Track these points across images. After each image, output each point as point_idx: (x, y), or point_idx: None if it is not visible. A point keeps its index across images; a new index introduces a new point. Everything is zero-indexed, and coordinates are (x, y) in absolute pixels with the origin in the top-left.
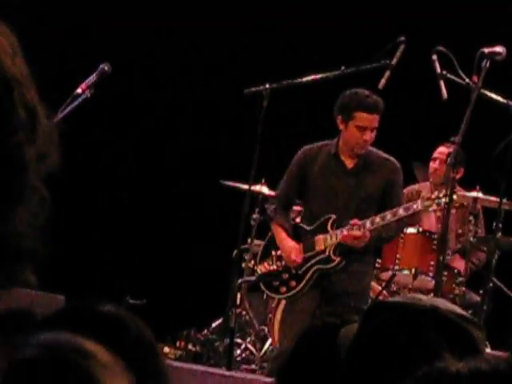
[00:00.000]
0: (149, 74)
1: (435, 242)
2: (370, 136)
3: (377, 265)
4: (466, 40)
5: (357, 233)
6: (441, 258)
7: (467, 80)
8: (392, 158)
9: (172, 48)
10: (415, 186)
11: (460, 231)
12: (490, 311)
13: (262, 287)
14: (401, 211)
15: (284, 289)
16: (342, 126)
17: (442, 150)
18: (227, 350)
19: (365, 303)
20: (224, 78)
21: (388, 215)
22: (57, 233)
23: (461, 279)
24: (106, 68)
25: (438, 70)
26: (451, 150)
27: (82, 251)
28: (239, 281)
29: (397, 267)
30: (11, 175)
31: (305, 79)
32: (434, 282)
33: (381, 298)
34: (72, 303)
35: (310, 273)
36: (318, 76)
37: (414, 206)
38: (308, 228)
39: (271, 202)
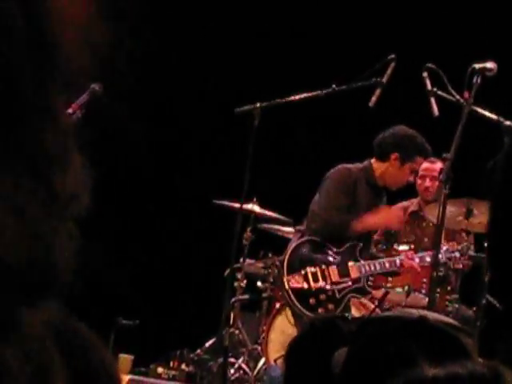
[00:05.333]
0: (139, 96)
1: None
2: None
3: (369, 283)
4: (456, 56)
5: (416, 265)
6: (434, 274)
7: (458, 97)
8: None
9: (163, 68)
10: (404, 203)
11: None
12: (484, 327)
13: (295, 301)
14: (428, 258)
15: (321, 310)
16: (395, 163)
17: (428, 166)
18: (221, 370)
19: None
20: (215, 98)
21: (427, 257)
22: None
23: (454, 296)
24: (97, 88)
25: (429, 86)
26: (437, 165)
27: (74, 271)
28: (232, 299)
29: (389, 285)
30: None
31: (296, 97)
32: (427, 299)
33: (373, 316)
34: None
35: (347, 299)
36: (309, 94)
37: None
38: (335, 249)
39: (329, 215)
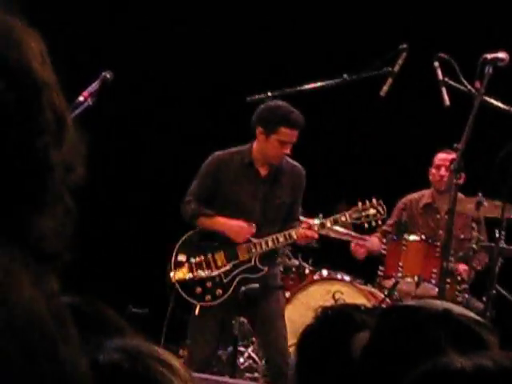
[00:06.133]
0: (150, 83)
1: (438, 249)
2: (289, 149)
3: (380, 273)
4: (468, 46)
5: (310, 233)
6: (444, 264)
7: (469, 86)
8: (298, 165)
9: (174, 57)
10: (414, 195)
11: (462, 237)
12: (493, 318)
13: (183, 294)
14: (328, 223)
15: (209, 297)
16: (261, 137)
17: (444, 157)
18: (231, 358)
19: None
20: (226, 86)
21: (328, 222)
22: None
23: (464, 286)
24: (108, 76)
25: (440, 76)
26: (452, 156)
27: (84, 259)
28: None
29: (400, 275)
30: (35, 176)
31: (307, 87)
32: (436, 289)
33: (383, 306)
34: None
35: (236, 282)
36: (321, 84)
37: (342, 219)
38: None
39: (187, 203)
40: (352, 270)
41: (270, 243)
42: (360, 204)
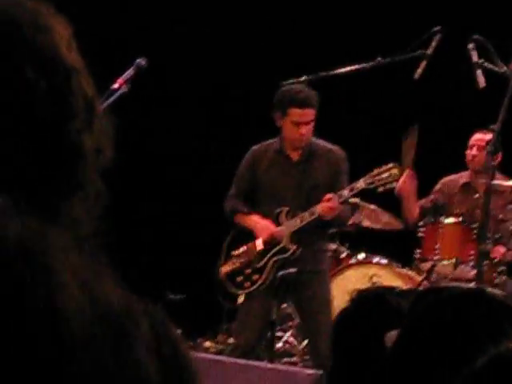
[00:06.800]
0: (186, 69)
1: (475, 231)
2: (305, 130)
3: (417, 255)
4: (502, 28)
5: (331, 204)
6: (481, 246)
7: (504, 68)
8: (336, 147)
9: (207, 47)
10: (453, 176)
11: (501, 216)
12: None
13: (228, 286)
14: (345, 192)
15: (248, 283)
16: (280, 122)
17: (479, 137)
18: (268, 343)
19: (326, 285)
20: (261, 71)
21: (345, 191)
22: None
23: (502, 268)
24: (143, 62)
25: (475, 58)
26: (487, 136)
27: (121, 246)
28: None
29: (437, 257)
30: (69, 160)
31: (341, 70)
32: (474, 271)
33: (421, 288)
34: None
35: (270, 264)
36: (355, 67)
37: (357, 185)
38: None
39: (227, 200)
40: (389, 254)
41: (298, 221)
42: (375, 170)
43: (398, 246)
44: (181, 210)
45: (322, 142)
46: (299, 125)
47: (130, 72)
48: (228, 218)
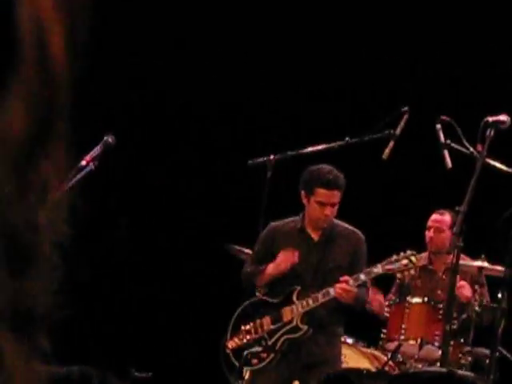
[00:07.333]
0: (152, 146)
1: (441, 312)
2: (330, 211)
3: (382, 335)
4: (469, 109)
5: (347, 286)
6: (447, 327)
7: (471, 149)
8: (357, 230)
9: (175, 119)
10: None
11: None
12: (497, 381)
13: (233, 360)
14: (362, 276)
15: (255, 361)
16: (305, 201)
17: (437, 218)
18: None
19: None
20: (228, 150)
21: (362, 275)
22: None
23: (467, 348)
24: (110, 140)
25: (442, 139)
26: (445, 217)
27: (86, 323)
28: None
29: (402, 337)
30: (24, 236)
31: (309, 150)
32: (440, 351)
33: (386, 368)
34: None
35: (280, 343)
36: (323, 146)
37: (375, 270)
38: (273, 301)
39: (245, 269)
40: (354, 333)
41: (311, 302)
42: (394, 255)
43: (365, 325)
44: (147, 284)
45: (342, 224)
46: (324, 205)
47: (97, 149)
48: (248, 284)
